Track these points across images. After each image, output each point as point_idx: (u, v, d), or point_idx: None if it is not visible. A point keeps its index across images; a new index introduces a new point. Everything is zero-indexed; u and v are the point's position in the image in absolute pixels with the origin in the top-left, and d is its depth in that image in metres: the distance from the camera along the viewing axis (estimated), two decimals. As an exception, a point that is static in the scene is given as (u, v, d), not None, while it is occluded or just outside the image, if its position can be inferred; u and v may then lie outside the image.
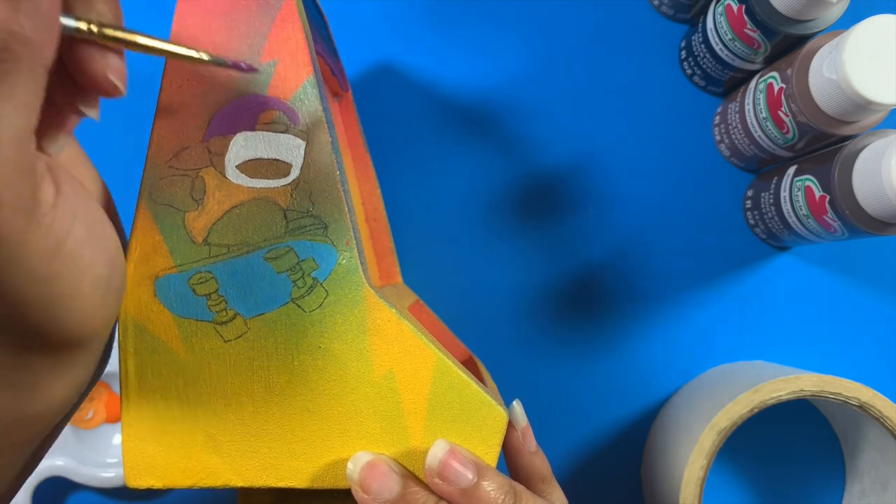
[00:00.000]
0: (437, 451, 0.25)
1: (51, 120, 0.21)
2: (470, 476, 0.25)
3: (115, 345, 0.27)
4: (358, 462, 0.25)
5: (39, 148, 0.21)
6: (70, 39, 0.20)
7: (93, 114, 0.22)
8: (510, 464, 0.30)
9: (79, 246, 0.20)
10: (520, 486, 0.26)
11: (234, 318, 0.26)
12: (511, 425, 0.29)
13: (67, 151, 0.23)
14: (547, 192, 0.44)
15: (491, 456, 0.26)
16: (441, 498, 0.25)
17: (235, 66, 0.25)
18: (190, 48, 0.24)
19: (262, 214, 0.26)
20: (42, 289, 0.19)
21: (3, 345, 0.20)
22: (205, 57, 0.24)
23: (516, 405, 0.29)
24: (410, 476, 0.26)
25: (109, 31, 0.20)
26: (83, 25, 0.20)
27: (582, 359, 0.44)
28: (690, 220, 0.44)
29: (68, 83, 0.21)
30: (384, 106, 0.44)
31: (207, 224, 0.26)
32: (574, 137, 0.44)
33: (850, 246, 0.44)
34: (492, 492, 0.25)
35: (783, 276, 0.44)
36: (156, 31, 0.48)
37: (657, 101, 0.44)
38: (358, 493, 0.25)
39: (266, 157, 0.26)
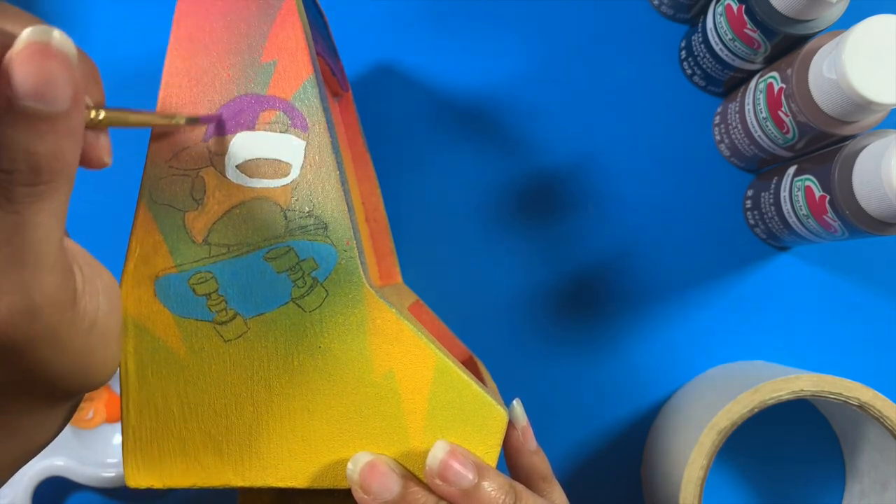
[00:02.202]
0: (437, 452, 0.25)
1: None
2: (470, 477, 0.25)
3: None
4: (358, 462, 0.25)
5: None
6: None
7: None
8: (510, 463, 0.29)
9: (106, 317, 0.22)
10: (520, 486, 0.26)
11: (234, 317, 0.26)
12: (511, 425, 0.29)
13: None
14: (547, 192, 0.44)
15: (491, 456, 0.26)
16: (441, 498, 0.25)
17: (208, 120, 0.26)
18: (170, 115, 0.25)
19: (262, 214, 0.26)
20: (81, 359, 0.21)
21: (23, 398, 0.21)
22: (182, 122, 0.25)
23: (516, 405, 0.29)
24: (411, 476, 0.26)
25: (106, 116, 0.21)
26: (87, 114, 0.21)
27: (582, 359, 0.44)
28: (690, 220, 0.44)
29: None
30: (384, 106, 0.44)
31: (207, 224, 0.26)
32: (574, 137, 0.44)
33: (850, 246, 0.44)
34: (492, 492, 0.25)
35: (783, 276, 0.44)
36: (156, 30, 0.47)
37: (657, 101, 0.44)
38: (358, 494, 0.25)
39: (266, 157, 0.26)
